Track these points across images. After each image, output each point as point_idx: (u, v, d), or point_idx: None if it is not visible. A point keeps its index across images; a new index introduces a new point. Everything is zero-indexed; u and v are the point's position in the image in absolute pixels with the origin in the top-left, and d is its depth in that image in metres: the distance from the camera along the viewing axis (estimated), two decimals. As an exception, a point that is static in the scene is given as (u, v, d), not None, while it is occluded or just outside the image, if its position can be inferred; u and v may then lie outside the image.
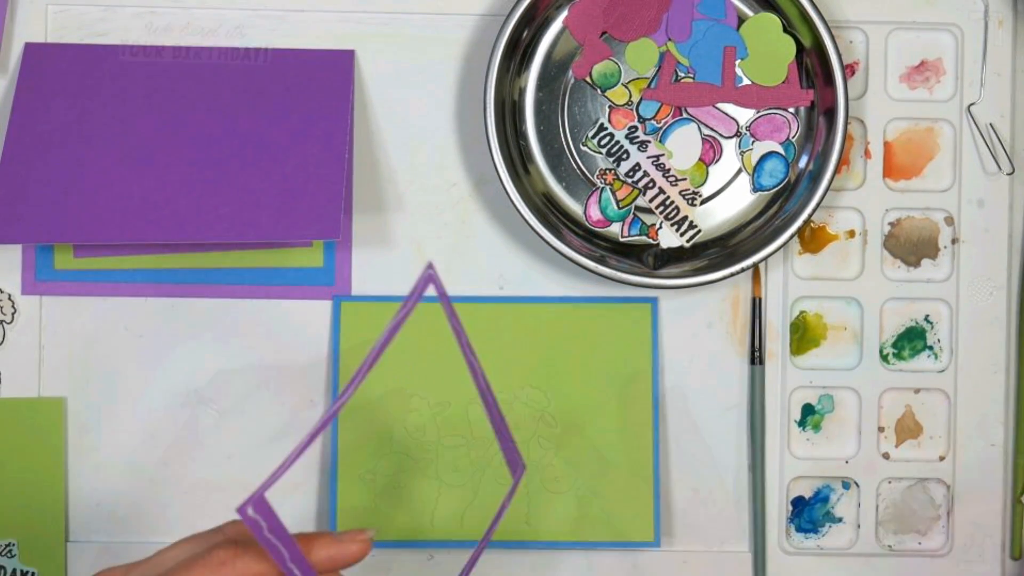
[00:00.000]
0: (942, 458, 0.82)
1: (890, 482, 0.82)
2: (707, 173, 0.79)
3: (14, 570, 0.80)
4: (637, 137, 0.78)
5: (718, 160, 0.79)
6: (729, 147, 0.79)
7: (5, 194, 0.76)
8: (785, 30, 0.78)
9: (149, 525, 0.81)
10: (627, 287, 0.78)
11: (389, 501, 0.79)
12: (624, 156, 0.78)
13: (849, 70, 0.80)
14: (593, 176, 0.79)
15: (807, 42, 0.78)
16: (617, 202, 0.79)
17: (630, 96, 0.78)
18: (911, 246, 0.82)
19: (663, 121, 0.78)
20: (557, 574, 0.81)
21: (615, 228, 0.79)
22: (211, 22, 0.80)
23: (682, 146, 0.78)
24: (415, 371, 0.80)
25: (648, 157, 0.78)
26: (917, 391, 0.82)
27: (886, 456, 0.82)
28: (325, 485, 0.81)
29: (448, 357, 0.79)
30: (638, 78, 0.79)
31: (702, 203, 0.79)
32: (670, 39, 0.78)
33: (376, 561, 0.80)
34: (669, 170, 0.78)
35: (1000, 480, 0.82)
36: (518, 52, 0.79)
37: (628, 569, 0.81)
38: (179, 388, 0.80)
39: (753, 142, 0.79)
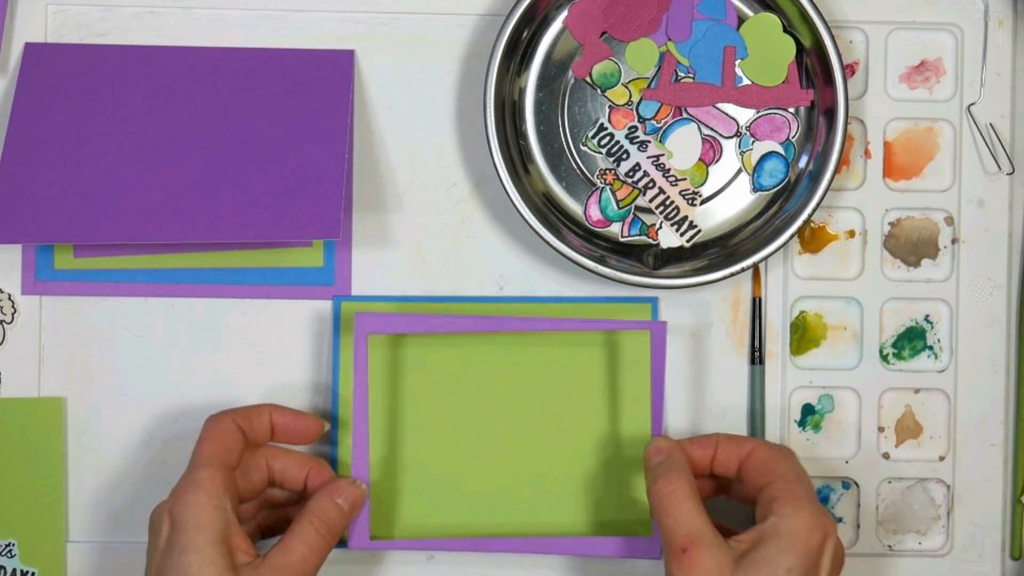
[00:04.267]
0: (942, 458, 0.82)
1: (890, 482, 0.82)
2: (707, 173, 0.79)
3: (14, 570, 0.80)
4: (637, 137, 0.78)
5: (718, 160, 0.79)
6: (729, 147, 0.79)
7: (5, 194, 0.76)
8: (785, 30, 0.78)
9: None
10: (627, 287, 0.78)
11: (388, 501, 0.79)
12: (624, 156, 0.78)
13: (849, 70, 0.80)
14: (593, 176, 0.79)
15: (807, 42, 0.78)
16: (617, 202, 0.79)
17: (630, 96, 0.78)
18: (911, 246, 0.82)
19: (663, 121, 0.78)
20: (557, 573, 0.81)
21: (615, 228, 0.79)
22: (211, 22, 0.80)
23: (682, 146, 0.78)
24: (418, 378, 0.80)
25: (648, 157, 0.78)
26: (917, 391, 0.82)
27: (886, 456, 0.82)
28: (325, 485, 0.81)
29: (447, 370, 0.80)
30: (638, 78, 0.79)
31: (702, 203, 0.79)
32: (670, 39, 0.78)
33: (376, 560, 0.80)
34: (669, 170, 0.78)
35: (1000, 480, 0.82)
36: (518, 52, 0.79)
37: (628, 569, 0.81)
38: (179, 388, 0.80)
39: (753, 142, 0.79)
